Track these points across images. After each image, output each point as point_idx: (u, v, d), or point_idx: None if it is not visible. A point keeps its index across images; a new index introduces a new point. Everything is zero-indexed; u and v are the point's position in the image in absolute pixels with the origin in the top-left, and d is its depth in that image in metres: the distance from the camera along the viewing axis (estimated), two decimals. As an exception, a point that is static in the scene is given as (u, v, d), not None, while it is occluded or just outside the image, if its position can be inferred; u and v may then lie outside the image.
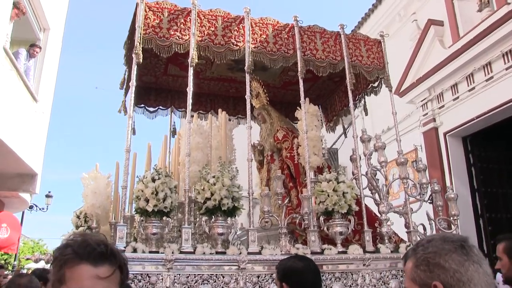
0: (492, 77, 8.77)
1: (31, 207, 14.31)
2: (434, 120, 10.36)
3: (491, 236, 9.35)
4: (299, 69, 5.28)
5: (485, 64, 8.89)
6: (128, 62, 5.32)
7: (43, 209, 15.24)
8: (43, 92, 9.06)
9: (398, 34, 12.24)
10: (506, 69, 8.43)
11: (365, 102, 6.55)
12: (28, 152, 8.08)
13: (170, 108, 6.70)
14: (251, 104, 6.16)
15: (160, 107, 6.70)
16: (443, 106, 10.13)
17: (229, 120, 6.18)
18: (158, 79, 6.50)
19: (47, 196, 15.47)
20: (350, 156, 5.48)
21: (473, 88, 9.23)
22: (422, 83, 10.36)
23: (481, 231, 9.49)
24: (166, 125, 6.61)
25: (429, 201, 5.50)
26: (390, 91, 5.88)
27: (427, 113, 10.56)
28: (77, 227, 4.38)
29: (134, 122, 6.17)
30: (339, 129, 7.30)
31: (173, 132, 6.36)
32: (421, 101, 10.69)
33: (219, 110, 5.87)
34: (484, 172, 9.83)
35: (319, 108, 7.18)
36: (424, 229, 5.37)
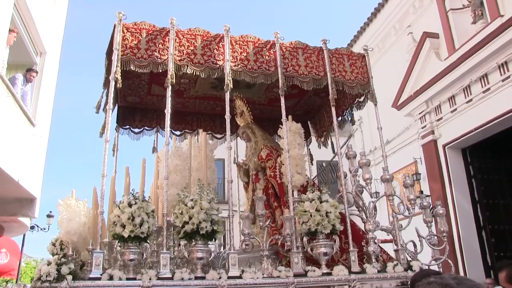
0: (489, 89, 8.73)
1: (32, 227, 14.32)
2: (432, 132, 10.28)
3: (494, 248, 9.20)
4: (280, 86, 5.20)
5: (481, 76, 8.86)
6: (108, 84, 5.26)
7: (44, 229, 15.23)
8: (40, 116, 9.09)
9: (394, 47, 12.24)
10: (503, 80, 8.39)
11: (352, 115, 6.45)
12: (27, 177, 8.06)
13: (155, 128, 6.63)
14: (235, 122, 6.11)
15: (146, 127, 6.63)
16: (441, 118, 10.06)
17: (211, 140, 6.10)
18: (142, 99, 6.44)
19: (48, 216, 15.45)
20: (336, 174, 5.37)
21: (471, 100, 9.18)
22: (419, 95, 10.34)
23: (484, 243, 9.34)
24: (151, 143, 6.56)
25: (432, 214, 5.35)
26: (375, 105, 5.77)
27: (425, 126, 10.50)
28: (53, 254, 4.29)
29: (118, 142, 6.17)
30: (341, 141, 7.18)
31: (153, 150, 6.31)
32: (419, 113, 10.64)
33: (200, 131, 5.79)
34: (485, 184, 9.73)
35: (308, 124, 7.11)
36: (415, 246, 5.23)
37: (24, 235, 13.37)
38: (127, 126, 6.55)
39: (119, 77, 4.75)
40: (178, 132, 6.79)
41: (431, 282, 1.46)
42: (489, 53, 8.41)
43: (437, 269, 5.08)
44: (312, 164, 6.77)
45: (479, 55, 8.63)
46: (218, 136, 6.91)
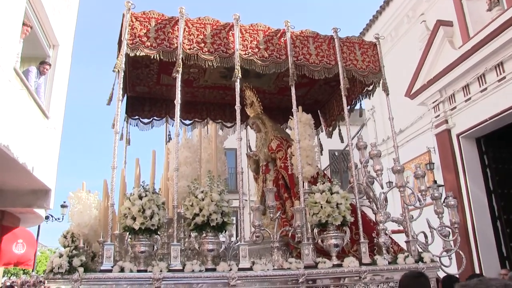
0: (504, 77, 8.53)
1: (47, 217, 14.56)
2: (446, 122, 10.14)
3: (510, 238, 9.12)
4: (290, 75, 5.14)
5: (496, 64, 8.66)
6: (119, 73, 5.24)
7: (58, 219, 15.46)
8: (54, 108, 9.12)
9: (407, 35, 12.05)
10: (519, 68, 8.18)
11: (361, 105, 6.39)
12: (41, 169, 8.14)
13: (165, 118, 6.61)
14: (245, 112, 6.06)
15: (155, 117, 6.61)
16: (455, 107, 9.90)
17: (221, 129, 6.06)
18: (151, 89, 6.42)
19: (62, 206, 15.65)
20: (346, 163, 5.33)
21: (485, 88, 8.99)
22: (433, 84, 10.16)
23: (499, 233, 9.25)
24: (161, 135, 6.55)
25: (444, 205, 5.31)
26: (387, 95, 5.68)
27: (439, 115, 10.34)
28: (64, 247, 4.31)
29: (129, 132, 6.16)
30: (354, 130, 7.14)
31: (168, 139, 6.29)
32: (433, 103, 10.48)
33: (210, 122, 5.75)
34: (500, 173, 9.60)
35: (318, 113, 7.04)
36: (426, 237, 5.19)
37: (39, 225, 13.60)
38: (136, 117, 6.53)
39: (123, 65, 4.72)
40: (187, 122, 6.77)
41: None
42: (506, 41, 8.18)
43: (448, 261, 5.06)
44: (322, 155, 6.73)
45: (495, 43, 8.41)
46: (228, 125, 6.88)
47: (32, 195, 8.68)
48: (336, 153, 17.06)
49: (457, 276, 4.92)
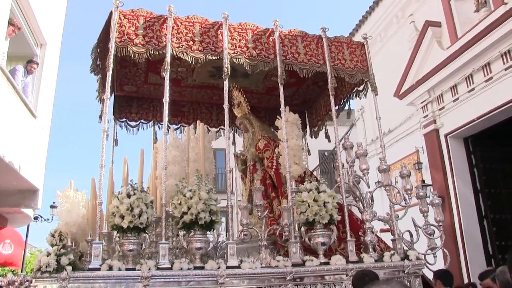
0: (491, 78, 8.63)
1: (36, 218, 14.47)
2: (434, 122, 10.22)
3: (496, 237, 9.24)
4: (278, 74, 5.17)
5: (484, 65, 8.75)
6: (102, 72, 5.23)
7: (48, 219, 15.35)
8: (41, 108, 9.07)
9: (396, 36, 12.13)
10: (506, 69, 8.29)
11: (349, 106, 6.44)
12: (29, 168, 8.09)
13: (152, 121, 6.61)
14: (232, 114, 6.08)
15: (142, 121, 6.61)
16: (443, 107, 9.99)
17: (208, 131, 6.07)
18: (139, 88, 6.41)
19: (52, 207, 15.53)
20: (333, 163, 5.39)
21: (473, 89, 9.10)
22: (421, 85, 10.23)
23: (485, 232, 9.37)
24: (149, 134, 6.55)
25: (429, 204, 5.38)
26: (376, 94, 5.73)
27: (427, 115, 10.42)
28: (52, 245, 4.30)
29: (116, 133, 6.16)
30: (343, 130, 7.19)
31: (155, 141, 6.30)
32: (421, 103, 10.55)
33: (198, 122, 5.77)
34: (487, 173, 9.68)
35: (305, 114, 7.09)
36: (411, 235, 5.26)
37: (28, 226, 13.53)
38: (124, 119, 6.53)
39: (111, 63, 4.71)
40: (175, 126, 6.75)
41: None
42: (492, 42, 8.28)
43: (433, 259, 5.15)
44: (310, 154, 6.78)
45: (482, 43, 8.50)
46: (214, 129, 6.89)
47: (19, 194, 8.63)
48: (326, 153, 17.17)
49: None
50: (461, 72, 9.25)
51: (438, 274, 4.90)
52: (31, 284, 4.08)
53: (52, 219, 15.39)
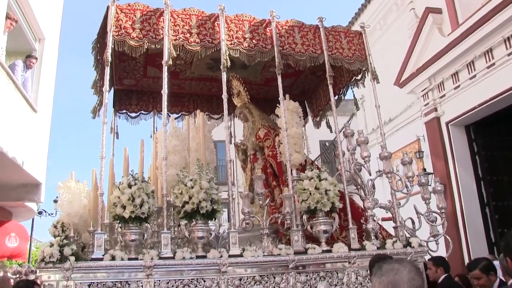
0: (493, 64, 8.52)
1: (40, 213, 14.60)
2: (435, 109, 10.17)
3: (498, 224, 9.23)
4: (276, 64, 5.17)
5: (486, 51, 8.63)
6: (101, 66, 5.24)
7: (52, 214, 15.43)
8: (42, 102, 9.11)
9: (396, 24, 12.04)
10: (508, 55, 8.16)
11: (354, 95, 6.44)
12: (31, 162, 8.14)
13: (152, 112, 6.63)
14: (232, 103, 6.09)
15: (142, 111, 6.64)
16: (444, 95, 9.93)
17: (209, 120, 6.08)
18: (138, 81, 6.42)
19: (55, 201, 15.61)
20: (334, 152, 5.39)
21: (474, 76, 9.01)
22: (422, 72, 10.16)
23: (487, 219, 9.35)
24: (149, 125, 6.58)
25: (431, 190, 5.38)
26: (377, 82, 5.70)
27: (428, 103, 10.37)
28: (55, 236, 4.32)
29: (117, 126, 6.17)
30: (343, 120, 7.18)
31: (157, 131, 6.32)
32: (422, 91, 10.49)
33: (198, 112, 5.78)
34: (489, 160, 9.65)
35: (305, 104, 7.08)
36: (413, 223, 5.26)
37: (32, 220, 13.68)
38: (124, 111, 6.55)
39: (109, 57, 4.71)
40: (175, 115, 6.78)
41: None
42: (494, 27, 8.15)
43: (435, 246, 5.16)
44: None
45: (484, 29, 8.38)
46: (216, 116, 6.91)
47: (22, 188, 8.71)
48: (327, 143, 17.16)
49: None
50: (462, 59, 9.16)
51: (439, 261, 4.92)
52: (35, 274, 4.10)
53: (56, 214, 15.53)
